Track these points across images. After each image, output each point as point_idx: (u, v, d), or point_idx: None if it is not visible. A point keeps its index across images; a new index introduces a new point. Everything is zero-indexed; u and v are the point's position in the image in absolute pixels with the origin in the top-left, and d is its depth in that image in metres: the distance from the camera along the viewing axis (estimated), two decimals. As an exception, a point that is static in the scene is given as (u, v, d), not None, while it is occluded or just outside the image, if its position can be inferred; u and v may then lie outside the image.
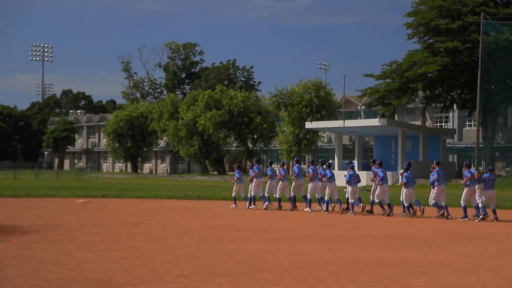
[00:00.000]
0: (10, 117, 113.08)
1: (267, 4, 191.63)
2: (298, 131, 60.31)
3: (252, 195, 23.24)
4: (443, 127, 62.80)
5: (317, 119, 57.19)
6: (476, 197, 19.42)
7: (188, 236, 14.44)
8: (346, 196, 21.69)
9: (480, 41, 46.15)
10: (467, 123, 62.26)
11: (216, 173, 72.39)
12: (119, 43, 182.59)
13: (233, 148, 72.47)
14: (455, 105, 57.30)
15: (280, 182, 22.91)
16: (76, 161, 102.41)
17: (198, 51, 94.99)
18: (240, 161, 66.34)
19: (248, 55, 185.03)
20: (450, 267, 10.56)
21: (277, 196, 23.00)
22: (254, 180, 23.16)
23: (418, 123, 62.96)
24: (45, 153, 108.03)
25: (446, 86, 53.46)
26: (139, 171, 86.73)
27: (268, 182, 23.25)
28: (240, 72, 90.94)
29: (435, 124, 63.91)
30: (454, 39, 49.37)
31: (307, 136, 60.71)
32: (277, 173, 23.08)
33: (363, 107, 66.84)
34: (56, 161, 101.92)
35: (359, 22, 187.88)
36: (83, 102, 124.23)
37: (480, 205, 19.27)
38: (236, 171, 23.92)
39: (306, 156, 71.37)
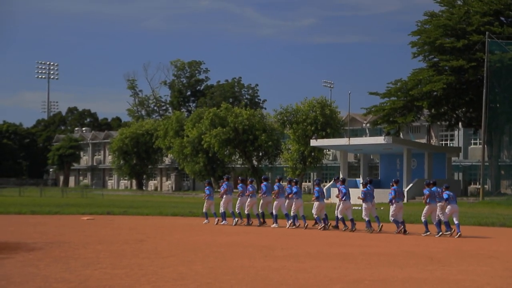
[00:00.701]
0: (16, 134, 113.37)
1: (272, 23, 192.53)
2: (303, 148, 60.29)
3: (222, 211, 23.80)
4: (449, 145, 62.73)
5: (322, 137, 57.18)
6: (438, 214, 19.59)
7: (192, 254, 14.41)
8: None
9: (485, 60, 46.28)
10: (472, 141, 62.20)
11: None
12: (124, 61, 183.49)
13: (238, 166, 72.46)
14: (460, 124, 57.30)
15: (249, 199, 23.38)
16: (81, 178, 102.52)
17: (203, 69, 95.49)
18: (246, 178, 66.22)
19: (254, 73, 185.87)
20: (456, 285, 10.50)
21: (246, 212, 23.43)
22: (224, 196, 23.81)
23: (423, 141, 62.90)
24: (50, 170, 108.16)
25: (451, 104, 53.49)
26: (144, 188, 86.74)
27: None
28: (246, 90, 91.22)
29: (440, 142, 63.84)
30: (459, 58, 49.49)
31: (312, 153, 60.67)
32: (248, 189, 23.53)
33: (368, 125, 66.85)
34: (61, 178, 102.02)
35: (364, 41, 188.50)
36: (88, 120, 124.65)
37: (443, 219, 19.45)
38: (207, 187, 24.60)
39: (312, 174, 71.40)
